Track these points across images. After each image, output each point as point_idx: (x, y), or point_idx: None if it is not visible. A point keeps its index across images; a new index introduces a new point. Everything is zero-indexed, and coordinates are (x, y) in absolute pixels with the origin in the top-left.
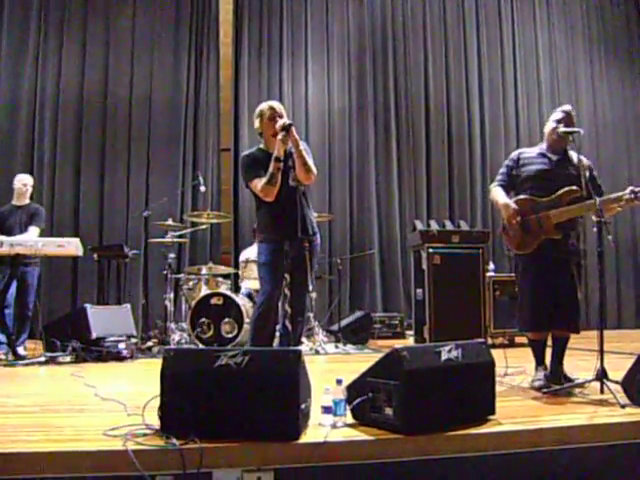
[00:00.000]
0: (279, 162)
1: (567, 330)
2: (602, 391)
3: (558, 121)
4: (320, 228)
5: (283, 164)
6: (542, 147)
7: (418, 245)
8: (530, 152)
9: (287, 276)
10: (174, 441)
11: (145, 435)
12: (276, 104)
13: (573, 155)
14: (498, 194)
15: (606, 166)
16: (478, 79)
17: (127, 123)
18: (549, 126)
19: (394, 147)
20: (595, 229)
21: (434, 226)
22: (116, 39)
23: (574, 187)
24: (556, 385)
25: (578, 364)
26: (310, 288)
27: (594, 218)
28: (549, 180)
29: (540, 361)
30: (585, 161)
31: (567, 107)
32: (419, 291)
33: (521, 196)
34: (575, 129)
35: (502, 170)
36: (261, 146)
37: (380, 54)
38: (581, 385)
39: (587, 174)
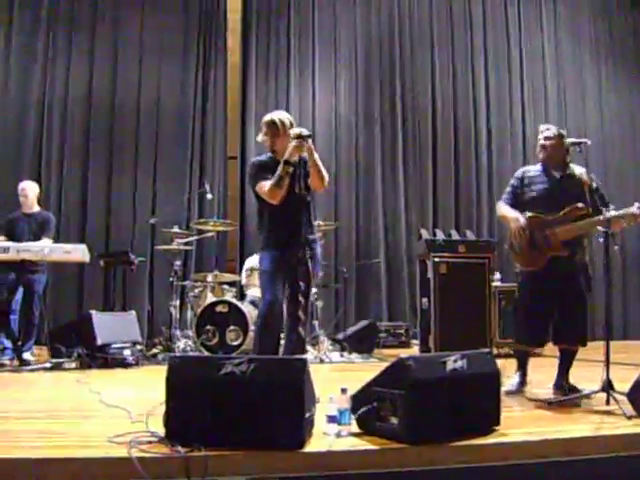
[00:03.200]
0: (289, 166)
1: (576, 344)
2: (608, 402)
3: (542, 146)
4: (326, 236)
5: (293, 169)
6: (542, 166)
7: (424, 254)
8: (534, 170)
9: (295, 284)
10: (179, 449)
11: (150, 442)
12: (286, 118)
13: (574, 169)
14: (506, 209)
15: (613, 176)
16: (485, 88)
17: (134, 130)
18: (538, 148)
19: (400, 156)
20: (602, 240)
21: (440, 235)
22: (124, 46)
23: (580, 204)
24: (561, 395)
25: (584, 375)
26: (313, 296)
27: (600, 229)
28: (553, 198)
29: (520, 366)
30: (585, 176)
31: (549, 126)
32: (425, 300)
33: (528, 213)
34: (582, 140)
35: (508, 189)
36: (270, 154)
37: (387, 63)
38: (587, 396)
39: (590, 188)
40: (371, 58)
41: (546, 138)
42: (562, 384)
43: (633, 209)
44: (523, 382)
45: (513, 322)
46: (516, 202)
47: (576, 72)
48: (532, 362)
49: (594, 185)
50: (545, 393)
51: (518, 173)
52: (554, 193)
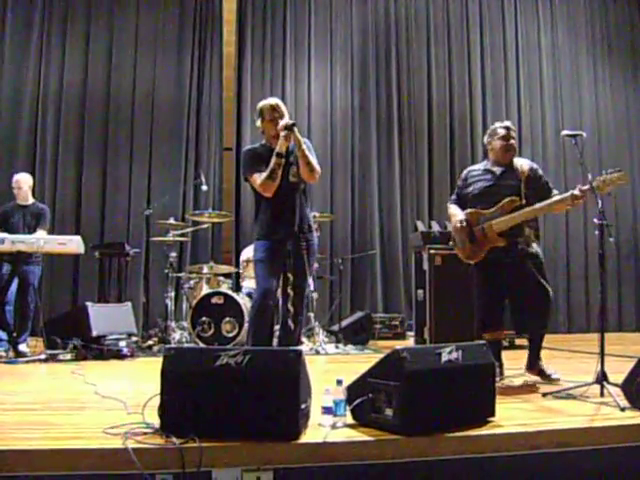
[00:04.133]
0: (280, 158)
1: (534, 333)
2: (602, 394)
3: (503, 137)
4: (321, 228)
5: (284, 160)
6: (487, 163)
7: (419, 246)
8: (477, 169)
9: (290, 276)
10: (174, 440)
11: (145, 434)
12: (276, 102)
13: (518, 163)
14: (452, 208)
15: (608, 167)
16: (481, 80)
17: (129, 121)
18: (494, 144)
19: (396, 148)
20: (597, 232)
21: (435, 227)
22: (119, 37)
23: (514, 197)
24: (535, 377)
25: (578, 367)
26: (311, 287)
27: (596, 221)
28: (493, 195)
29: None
30: (526, 166)
31: (507, 123)
32: (420, 292)
33: (467, 210)
34: (577, 132)
35: (456, 189)
36: (263, 142)
37: (383, 55)
38: (581, 388)
39: (529, 179)
40: (367, 49)
41: (512, 138)
42: (535, 367)
43: (574, 191)
44: (499, 372)
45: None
46: (461, 201)
47: (572, 64)
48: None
49: (539, 173)
50: (520, 379)
51: (463, 174)
52: (492, 189)
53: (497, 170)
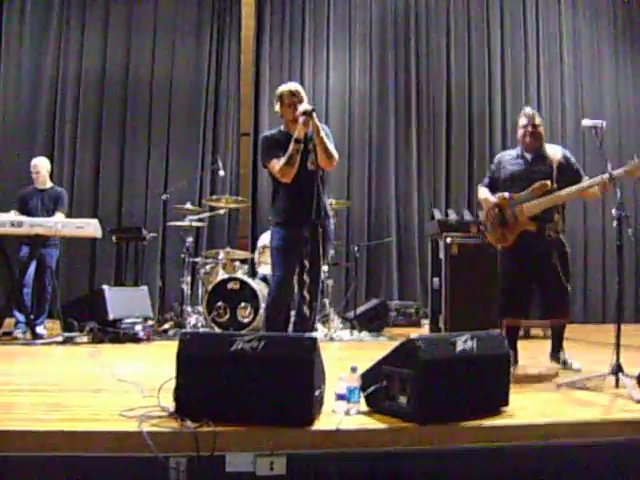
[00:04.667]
0: (299, 144)
1: (558, 318)
2: (617, 385)
3: (524, 126)
4: (338, 214)
5: (303, 146)
6: (519, 148)
7: (436, 234)
8: (509, 155)
9: (306, 263)
10: (188, 424)
11: (160, 417)
12: (295, 87)
13: (549, 149)
14: (483, 191)
15: (628, 157)
16: (500, 66)
17: (148, 106)
18: (518, 132)
19: (414, 134)
20: (615, 223)
21: (452, 216)
22: (138, 21)
23: (546, 181)
24: (557, 365)
25: (594, 358)
26: (324, 274)
27: (614, 212)
28: (524, 179)
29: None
30: (558, 154)
31: (528, 110)
32: (436, 280)
33: (498, 194)
34: (598, 121)
35: (488, 174)
36: (281, 128)
37: (402, 39)
38: (596, 379)
39: (561, 165)
40: (386, 33)
41: (536, 125)
42: (557, 355)
43: (604, 176)
44: (514, 361)
45: (496, 299)
46: (493, 184)
47: (593, 53)
48: (542, 344)
49: (571, 160)
50: (536, 369)
51: (496, 158)
52: (524, 174)
53: (528, 156)
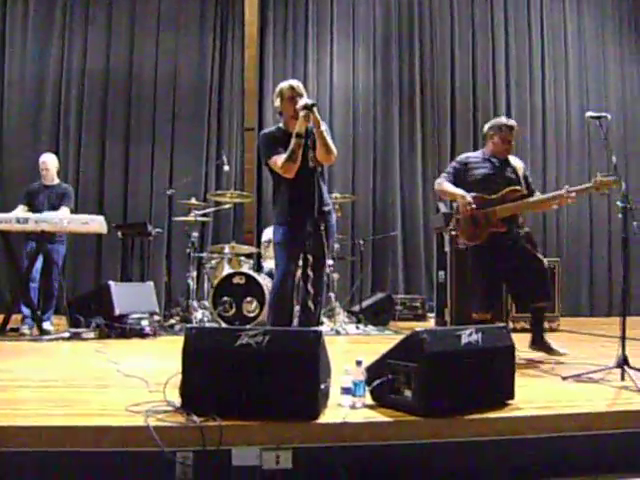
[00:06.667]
0: (300, 138)
1: (538, 301)
2: (623, 378)
3: (509, 142)
4: (343, 209)
5: (304, 141)
6: (484, 152)
7: (441, 227)
8: (475, 157)
9: (310, 257)
10: (194, 418)
11: (166, 412)
12: (295, 83)
13: (513, 160)
14: (449, 186)
15: (634, 152)
16: (505, 61)
17: (152, 102)
18: (496, 139)
19: (418, 129)
20: (620, 216)
21: None
22: (142, 17)
23: (517, 187)
24: (541, 351)
25: (600, 350)
26: (327, 268)
27: (619, 204)
28: (494, 182)
29: None
30: (520, 165)
31: (513, 123)
32: (441, 273)
33: (473, 194)
34: (602, 114)
35: (449, 170)
36: (280, 125)
37: (406, 34)
38: (602, 371)
39: (525, 176)
40: (390, 29)
41: (512, 135)
42: (542, 342)
43: (562, 191)
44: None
45: (473, 294)
46: (455, 181)
47: (598, 46)
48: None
49: (528, 174)
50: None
51: (461, 158)
52: (493, 177)
53: (495, 161)
